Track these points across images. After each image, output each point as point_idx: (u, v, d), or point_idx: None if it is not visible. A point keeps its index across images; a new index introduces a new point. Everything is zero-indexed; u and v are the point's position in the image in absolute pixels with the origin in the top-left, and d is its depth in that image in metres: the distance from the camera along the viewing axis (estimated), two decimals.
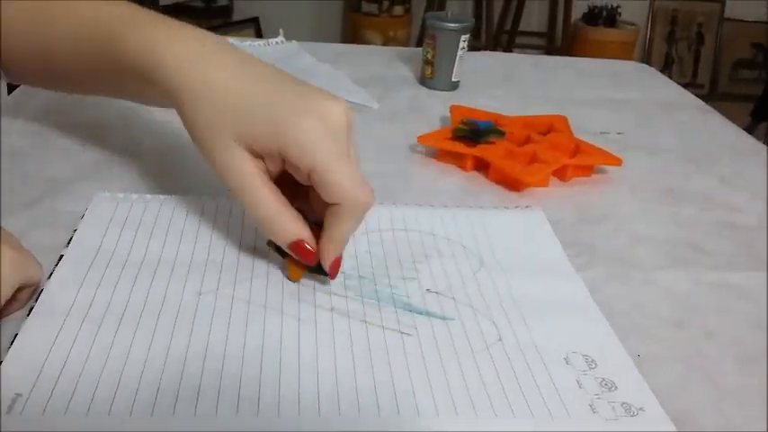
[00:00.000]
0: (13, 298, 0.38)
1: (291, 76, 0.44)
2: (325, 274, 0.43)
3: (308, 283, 0.44)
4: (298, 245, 0.42)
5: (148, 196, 0.51)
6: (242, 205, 0.42)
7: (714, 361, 0.42)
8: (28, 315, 0.39)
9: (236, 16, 2.63)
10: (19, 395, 0.34)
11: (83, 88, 0.55)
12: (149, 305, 0.40)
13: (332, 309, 0.42)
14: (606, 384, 0.38)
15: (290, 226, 0.42)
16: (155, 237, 0.46)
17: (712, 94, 2.64)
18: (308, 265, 0.43)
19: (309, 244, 0.42)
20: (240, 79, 0.42)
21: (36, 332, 0.38)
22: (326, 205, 0.42)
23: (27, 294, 0.40)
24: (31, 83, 0.58)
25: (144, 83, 0.45)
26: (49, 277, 0.42)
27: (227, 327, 0.39)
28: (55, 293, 0.41)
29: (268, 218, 0.42)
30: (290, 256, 0.43)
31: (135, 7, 0.48)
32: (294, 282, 0.43)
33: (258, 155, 0.41)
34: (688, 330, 0.44)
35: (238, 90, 0.42)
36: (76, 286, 0.41)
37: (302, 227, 0.42)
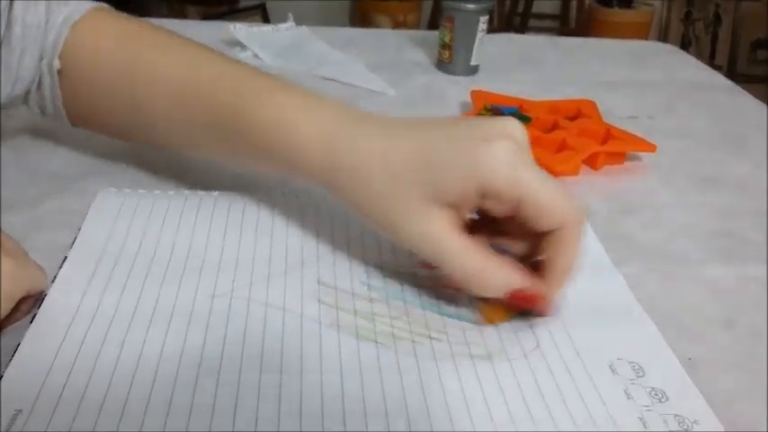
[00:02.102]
0: (15, 308, 0.36)
1: (441, 118, 0.40)
2: (528, 314, 0.38)
3: (329, 283, 0.41)
4: (519, 294, 0.37)
5: (157, 192, 0.48)
6: (443, 267, 0.37)
7: None
8: (31, 323, 0.36)
9: (243, 2, 2.59)
10: (19, 411, 0.31)
11: (186, 152, 0.49)
12: (159, 311, 0.38)
13: (355, 312, 0.39)
14: (656, 395, 0.35)
15: (505, 277, 0.36)
16: (164, 235, 0.43)
17: (731, 76, 2.57)
18: (534, 309, 0.38)
19: (531, 289, 0.37)
20: (403, 137, 0.37)
21: (39, 342, 0.35)
22: (537, 237, 0.37)
23: (30, 304, 0.37)
24: (125, 139, 0.51)
25: (274, 162, 0.41)
26: (53, 281, 0.39)
27: (243, 332, 0.37)
28: (58, 299, 0.38)
29: (477, 274, 0.36)
30: (489, 299, 0.38)
31: (246, 69, 0.43)
32: (494, 324, 0.38)
33: (451, 204, 0.36)
34: (738, 330, 0.41)
35: (409, 147, 0.37)
36: (81, 291, 0.38)
37: (516, 272, 0.37)
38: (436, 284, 0.40)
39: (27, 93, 0.49)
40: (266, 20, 2.53)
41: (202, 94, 0.43)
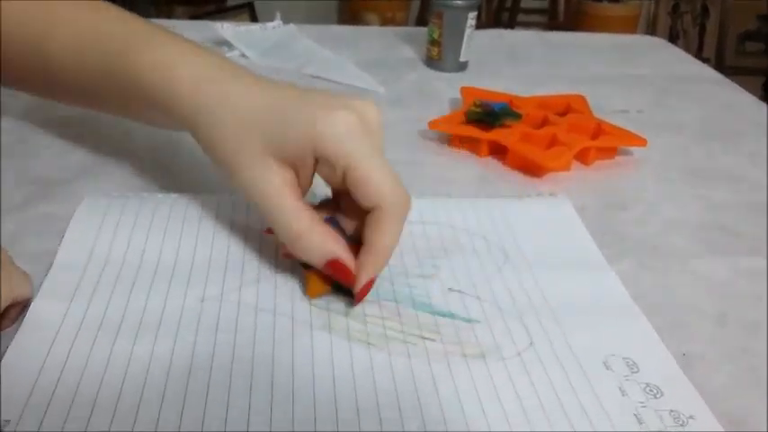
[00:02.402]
0: (2, 316, 0.35)
1: (315, 88, 0.41)
2: (350, 295, 0.38)
3: None
4: (334, 264, 0.38)
5: (144, 194, 0.47)
6: (270, 222, 0.39)
7: (763, 357, 0.38)
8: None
9: (231, 2, 2.58)
10: (7, 421, 0.31)
11: (84, 103, 0.51)
12: (148, 315, 0.37)
13: (346, 313, 0.38)
14: (651, 390, 0.34)
15: (324, 243, 0.38)
16: (151, 238, 0.43)
17: (719, 68, 2.57)
18: (346, 284, 0.38)
19: (347, 262, 0.38)
20: (263, 90, 0.40)
21: (25, 350, 0.34)
22: (363, 214, 0.38)
23: (17, 311, 0.36)
24: (29, 91, 0.54)
25: (153, 105, 0.42)
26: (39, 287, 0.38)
27: (233, 336, 0.36)
28: (44, 306, 0.37)
29: (299, 234, 0.38)
30: (314, 270, 0.39)
31: (143, 22, 0.45)
32: (312, 299, 0.39)
33: (289, 164, 0.38)
34: (732, 324, 0.41)
35: (263, 99, 0.39)
36: (68, 297, 0.38)
37: (338, 243, 0.38)
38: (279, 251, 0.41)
39: None
40: (254, 19, 2.51)
41: (92, 41, 0.45)
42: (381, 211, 0.37)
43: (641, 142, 0.58)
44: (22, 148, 0.55)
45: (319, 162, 0.38)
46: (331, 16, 2.76)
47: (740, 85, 0.80)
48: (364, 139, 0.37)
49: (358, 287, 0.38)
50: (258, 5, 2.55)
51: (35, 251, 0.42)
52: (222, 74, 0.41)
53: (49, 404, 0.32)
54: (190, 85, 0.41)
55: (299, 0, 2.67)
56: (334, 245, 0.38)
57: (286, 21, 0.87)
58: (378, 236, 0.37)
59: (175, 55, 0.42)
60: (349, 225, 0.40)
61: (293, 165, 0.38)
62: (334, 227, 0.39)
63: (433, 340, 0.37)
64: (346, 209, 0.40)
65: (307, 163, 0.38)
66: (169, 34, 0.44)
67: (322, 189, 0.42)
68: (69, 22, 0.46)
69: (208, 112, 0.40)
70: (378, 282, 0.41)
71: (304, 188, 0.40)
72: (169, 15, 2.39)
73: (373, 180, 0.37)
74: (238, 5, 2.55)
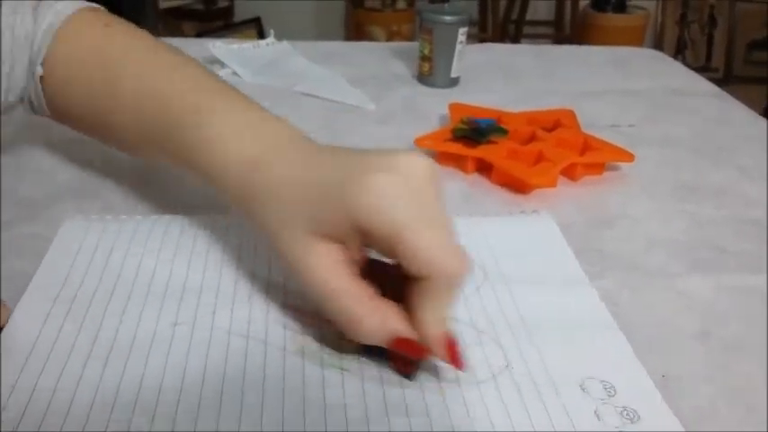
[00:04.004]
0: None
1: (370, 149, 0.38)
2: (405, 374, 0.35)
3: (295, 307, 0.40)
4: (402, 343, 0.34)
5: (123, 217, 0.47)
6: (325, 309, 0.35)
7: (745, 378, 0.38)
8: None
9: (238, 17, 2.60)
10: None
11: (138, 155, 0.50)
12: (120, 339, 0.37)
13: (322, 337, 0.38)
14: (628, 415, 0.34)
15: (380, 323, 0.34)
16: (128, 262, 0.43)
17: (727, 78, 2.56)
18: (419, 359, 0.35)
19: (410, 336, 0.34)
20: (306, 168, 0.37)
21: None
22: (412, 282, 0.34)
23: None
24: (85, 134, 0.52)
25: (203, 178, 0.42)
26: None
27: (204, 361, 0.36)
28: (17, 330, 0.37)
29: (351, 319, 0.34)
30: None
31: (204, 81, 0.45)
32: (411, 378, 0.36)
33: (335, 240, 0.35)
34: (714, 343, 0.40)
35: (304, 178, 0.36)
36: (41, 321, 0.38)
37: (398, 320, 0.34)
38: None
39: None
40: (261, 34, 2.53)
41: (157, 109, 0.44)
42: (429, 283, 0.33)
43: (628, 158, 0.58)
44: (8, 170, 0.55)
45: (365, 236, 0.34)
46: (338, 29, 2.77)
47: (747, 95, 0.79)
48: (406, 201, 0.33)
49: (442, 357, 0.34)
50: (265, 20, 2.57)
51: (16, 272, 0.42)
52: (270, 154, 0.39)
53: (17, 428, 0.31)
54: (236, 171, 0.39)
55: (305, 14, 2.69)
56: (395, 324, 0.34)
57: (294, 36, 0.87)
58: (423, 310, 0.34)
59: (221, 135, 0.41)
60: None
61: (338, 239, 0.35)
62: (379, 269, 0.37)
63: None
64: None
65: (349, 236, 0.34)
66: (231, 99, 0.43)
67: None
68: (127, 84, 0.46)
69: (256, 196, 0.38)
70: None
71: (356, 259, 0.36)
72: (177, 31, 2.41)
73: (421, 250, 0.32)
74: (246, 21, 2.57)
